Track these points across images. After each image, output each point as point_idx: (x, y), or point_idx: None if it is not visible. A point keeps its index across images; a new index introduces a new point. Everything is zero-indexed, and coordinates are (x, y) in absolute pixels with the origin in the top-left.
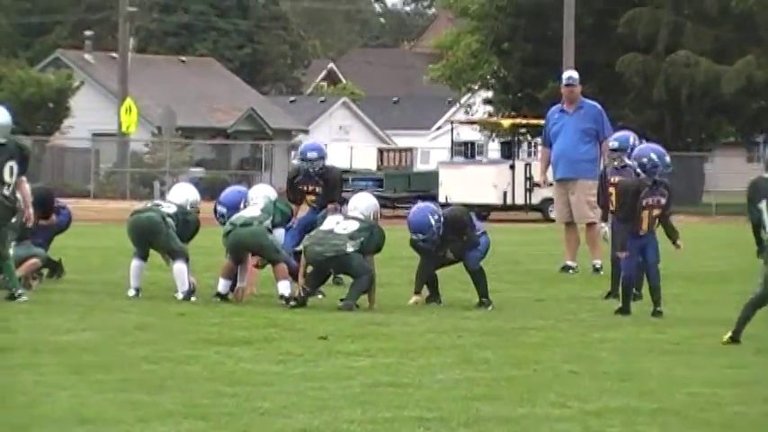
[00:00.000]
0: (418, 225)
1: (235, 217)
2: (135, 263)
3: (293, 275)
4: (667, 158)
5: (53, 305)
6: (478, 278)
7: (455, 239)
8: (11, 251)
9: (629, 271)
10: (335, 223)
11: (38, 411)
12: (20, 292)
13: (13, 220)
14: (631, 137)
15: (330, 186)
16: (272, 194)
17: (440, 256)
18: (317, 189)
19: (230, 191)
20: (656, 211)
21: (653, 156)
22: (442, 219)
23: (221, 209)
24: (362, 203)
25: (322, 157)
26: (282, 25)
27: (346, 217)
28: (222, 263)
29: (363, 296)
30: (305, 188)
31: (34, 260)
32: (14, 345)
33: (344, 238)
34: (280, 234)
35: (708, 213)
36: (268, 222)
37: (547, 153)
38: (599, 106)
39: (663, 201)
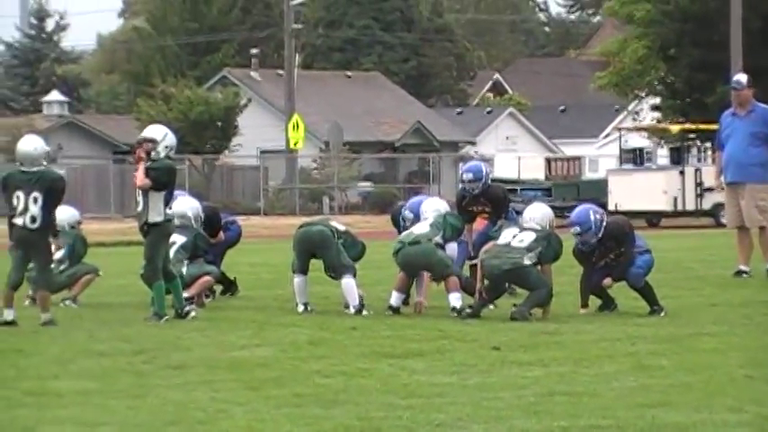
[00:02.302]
0: (577, 217)
1: (404, 234)
2: (297, 279)
3: (464, 288)
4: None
5: (226, 322)
6: (645, 292)
7: (614, 248)
8: (183, 269)
9: None
10: (512, 236)
11: (215, 428)
12: (187, 309)
13: (184, 239)
14: None
15: (496, 205)
16: (443, 208)
17: (600, 266)
18: (486, 209)
19: (418, 199)
20: None
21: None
22: (604, 221)
23: (408, 214)
24: (537, 213)
25: (479, 179)
26: (447, 37)
27: (522, 229)
28: (393, 276)
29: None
30: (474, 209)
31: (207, 278)
32: (190, 362)
33: (522, 251)
34: (452, 248)
35: None
36: (438, 238)
37: (720, 157)
38: None
39: None
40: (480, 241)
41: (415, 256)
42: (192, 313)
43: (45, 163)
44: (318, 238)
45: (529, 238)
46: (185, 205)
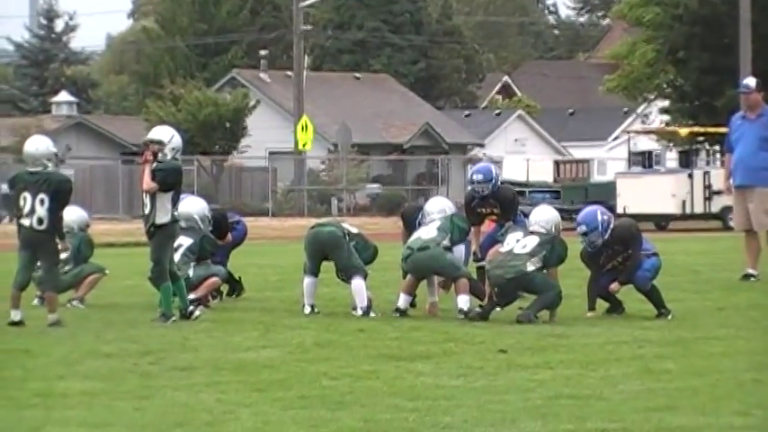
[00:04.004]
0: (584, 217)
1: (412, 240)
2: (307, 280)
3: (471, 291)
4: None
5: (233, 323)
6: (651, 295)
7: (621, 251)
8: (190, 272)
9: None
10: (515, 241)
11: (221, 429)
12: (191, 310)
13: (191, 242)
14: None
15: (505, 206)
16: (449, 208)
17: (608, 270)
18: (495, 210)
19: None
20: None
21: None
22: (611, 223)
23: None
24: (543, 217)
25: (489, 180)
26: (456, 40)
27: (526, 233)
28: (401, 278)
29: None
30: (483, 210)
31: (214, 279)
32: (196, 364)
33: (524, 257)
34: (459, 251)
35: None
36: (446, 241)
37: (729, 160)
38: None
39: None
40: (488, 243)
41: (425, 261)
42: (197, 312)
43: (50, 164)
44: (329, 239)
45: (532, 242)
46: (191, 207)
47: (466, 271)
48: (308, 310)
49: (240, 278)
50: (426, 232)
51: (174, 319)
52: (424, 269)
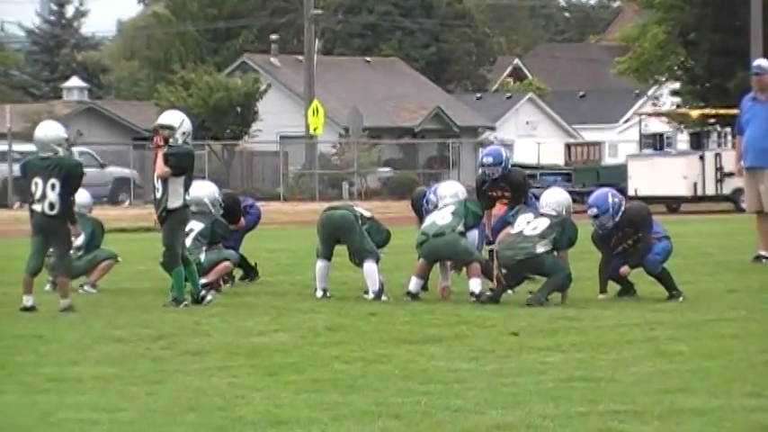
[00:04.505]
0: (595, 199)
1: (427, 225)
2: (320, 264)
3: (483, 272)
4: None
5: (245, 308)
6: (662, 278)
7: (632, 234)
8: (202, 256)
9: None
10: (526, 223)
11: (233, 413)
12: (203, 294)
13: (202, 226)
14: None
15: (516, 190)
16: (462, 192)
17: (619, 252)
18: (505, 193)
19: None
20: None
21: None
22: (622, 205)
23: (434, 198)
24: (553, 199)
25: (499, 162)
26: (467, 23)
27: (537, 215)
28: (413, 261)
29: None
30: (494, 194)
31: (225, 264)
32: (208, 348)
33: (534, 239)
34: (473, 236)
35: None
36: (460, 227)
37: (740, 142)
38: None
39: None
40: (499, 227)
41: (441, 247)
42: (209, 297)
43: (60, 149)
44: (342, 223)
45: (543, 224)
46: (201, 191)
47: (479, 256)
48: (320, 293)
49: (256, 264)
50: (441, 217)
51: (185, 303)
52: (438, 255)
